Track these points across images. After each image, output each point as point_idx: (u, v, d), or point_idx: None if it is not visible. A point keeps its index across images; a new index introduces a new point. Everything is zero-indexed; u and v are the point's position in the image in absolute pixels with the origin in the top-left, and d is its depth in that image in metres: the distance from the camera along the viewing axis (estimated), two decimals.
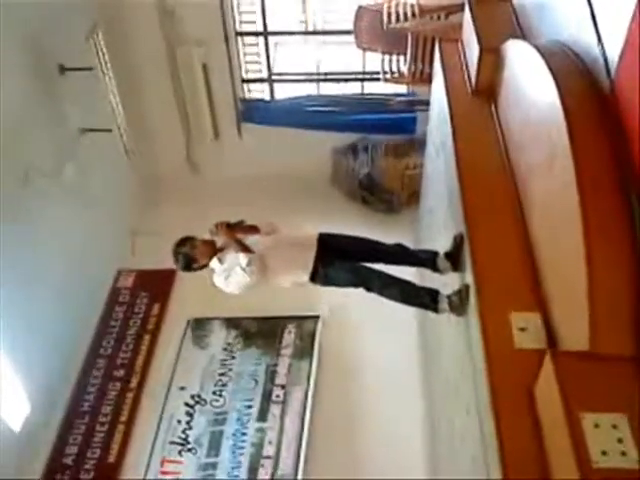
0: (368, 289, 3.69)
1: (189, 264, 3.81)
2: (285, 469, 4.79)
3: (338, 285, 3.78)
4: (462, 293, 3.20)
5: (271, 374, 5.36)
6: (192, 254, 3.77)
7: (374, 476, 4.63)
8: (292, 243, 3.78)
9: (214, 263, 3.77)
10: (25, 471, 4.84)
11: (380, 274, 3.67)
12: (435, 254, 3.63)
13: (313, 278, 3.70)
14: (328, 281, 3.76)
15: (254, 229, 3.84)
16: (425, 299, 3.62)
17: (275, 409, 5.13)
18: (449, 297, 3.39)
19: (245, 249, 3.69)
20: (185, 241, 3.81)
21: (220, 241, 3.78)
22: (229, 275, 3.70)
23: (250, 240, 3.78)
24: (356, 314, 5.41)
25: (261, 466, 4.82)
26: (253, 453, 4.91)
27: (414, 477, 4.53)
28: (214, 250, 3.77)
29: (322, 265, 3.67)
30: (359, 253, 3.82)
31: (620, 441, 1.96)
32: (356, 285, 3.70)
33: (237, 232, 3.77)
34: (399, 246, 3.85)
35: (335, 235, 3.89)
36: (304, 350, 5.49)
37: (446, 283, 3.70)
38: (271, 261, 3.71)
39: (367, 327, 5.38)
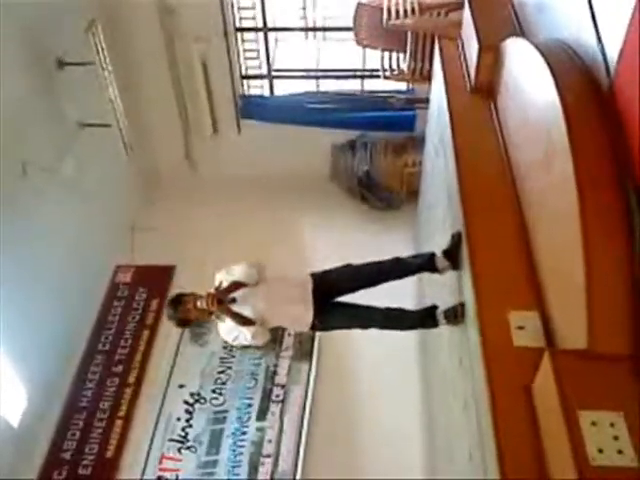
0: (364, 328, 3.74)
1: (184, 324, 3.82)
2: (285, 467, 4.81)
3: (336, 330, 3.88)
4: (457, 310, 3.27)
5: (271, 373, 5.37)
6: (187, 317, 3.70)
7: (373, 474, 4.64)
8: (287, 299, 3.63)
9: (214, 318, 3.73)
10: (23, 466, 4.85)
11: (374, 312, 3.68)
12: (432, 255, 3.62)
13: (312, 328, 3.73)
14: (326, 329, 3.88)
15: (241, 285, 3.68)
16: (423, 321, 3.70)
17: (275, 408, 5.14)
18: (445, 312, 3.45)
19: (243, 321, 3.59)
20: (178, 303, 3.68)
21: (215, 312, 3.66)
22: (236, 337, 3.68)
23: (245, 304, 3.62)
24: None
25: (261, 465, 4.83)
26: (253, 452, 4.91)
27: (412, 474, 4.55)
28: (209, 313, 3.67)
29: (319, 320, 3.64)
30: (356, 284, 3.71)
31: (617, 439, 1.97)
32: (353, 328, 3.76)
33: (228, 300, 3.62)
34: (395, 261, 3.72)
35: (329, 273, 3.75)
36: (304, 350, 5.49)
37: (444, 284, 3.71)
38: (271, 322, 3.68)
39: None
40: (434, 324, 3.59)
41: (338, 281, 3.73)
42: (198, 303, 3.60)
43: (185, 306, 3.65)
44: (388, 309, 3.69)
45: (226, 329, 3.69)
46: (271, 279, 3.79)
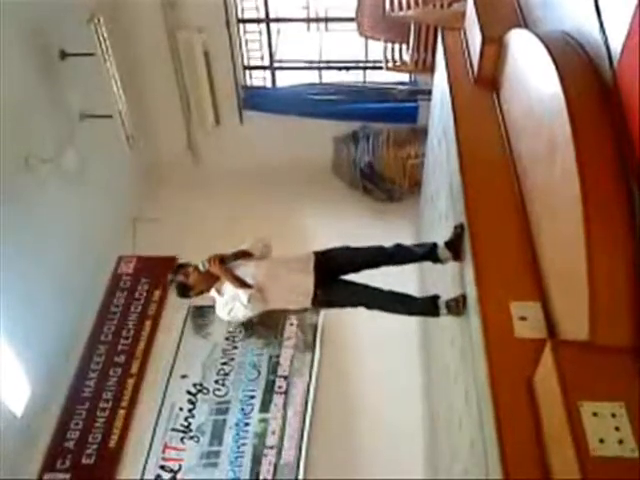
0: (367, 307, 3.72)
1: (184, 292, 3.79)
2: (288, 459, 4.83)
3: (339, 307, 3.84)
4: (459, 301, 3.29)
5: (273, 365, 5.39)
6: (186, 283, 3.72)
7: (375, 466, 4.67)
8: (289, 270, 3.68)
9: (213, 293, 3.75)
10: (27, 455, 4.88)
11: (378, 292, 3.68)
12: (434, 245, 3.64)
13: (314, 303, 3.71)
14: (329, 305, 3.82)
15: (247, 254, 3.76)
16: (425, 308, 3.69)
17: (278, 400, 5.16)
18: (447, 302, 3.46)
19: (242, 284, 3.62)
20: (179, 269, 3.76)
21: (214, 273, 3.69)
22: (232, 309, 3.68)
23: (246, 269, 3.69)
24: None
25: (264, 456, 4.86)
26: (256, 443, 4.94)
27: (414, 465, 4.59)
28: (208, 278, 3.70)
29: (322, 291, 3.64)
30: (358, 265, 3.75)
31: (618, 430, 1.98)
32: (356, 305, 3.74)
33: (230, 262, 3.69)
34: (397, 247, 3.76)
35: (331, 251, 3.79)
36: (306, 342, 5.51)
37: (447, 274, 3.72)
38: (271, 293, 3.65)
39: (367, 318, 5.37)
40: (435, 313, 3.60)
41: (339, 259, 3.75)
42: (200, 266, 3.65)
43: (186, 269, 3.71)
44: (391, 292, 3.70)
45: (222, 302, 3.71)
46: (275, 255, 3.85)
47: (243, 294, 3.58)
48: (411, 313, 3.82)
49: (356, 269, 3.76)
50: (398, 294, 3.72)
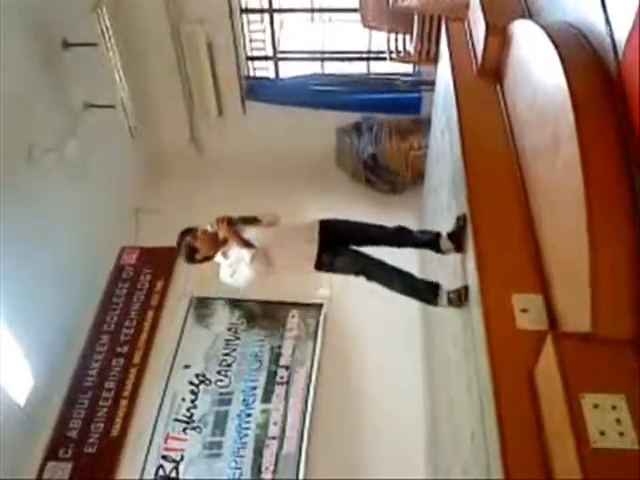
0: (369, 278, 3.73)
1: (191, 255, 3.83)
2: (289, 450, 4.85)
3: (341, 273, 3.84)
4: (461, 293, 3.28)
5: (275, 355, 5.41)
6: (193, 244, 3.78)
7: (376, 456, 4.68)
8: (294, 236, 3.77)
9: (219, 257, 3.79)
10: (29, 445, 4.90)
11: (382, 265, 3.70)
12: (437, 235, 3.65)
13: (318, 266, 3.73)
14: (332, 269, 3.82)
15: (255, 220, 3.85)
16: (425, 293, 3.69)
17: (280, 390, 5.18)
18: (448, 294, 3.45)
19: (247, 244, 3.69)
20: (187, 232, 3.83)
21: (221, 235, 3.78)
22: (234, 271, 3.73)
23: (252, 232, 3.77)
24: (359, 296, 5.42)
25: (266, 447, 4.89)
26: (258, 434, 4.96)
27: (416, 455, 4.61)
28: (216, 241, 3.77)
29: (326, 255, 3.70)
30: (361, 238, 3.81)
31: (619, 422, 1.98)
32: (358, 274, 3.75)
33: (238, 225, 3.78)
34: (401, 229, 3.84)
35: (336, 221, 3.87)
36: (308, 333, 5.53)
37: (448, 265, 3.71)
38: (275, 256, 3.71)
39: (369, 309, 5.39)
40: (434, 301, 3.60)
41: (342, 229, 3.84)
42: (209, 227, 3.75)
43: (194, 232, 3.79)
44: (394, 268, 3.72)
45: (227, 264, 3.76)
46: (282, 224, 3.92)
47: (247, 254, 3.65)
48: (409, 293, 3.80)
49: (358, 242, 3.81)
50: (401, 271, 3.74)
